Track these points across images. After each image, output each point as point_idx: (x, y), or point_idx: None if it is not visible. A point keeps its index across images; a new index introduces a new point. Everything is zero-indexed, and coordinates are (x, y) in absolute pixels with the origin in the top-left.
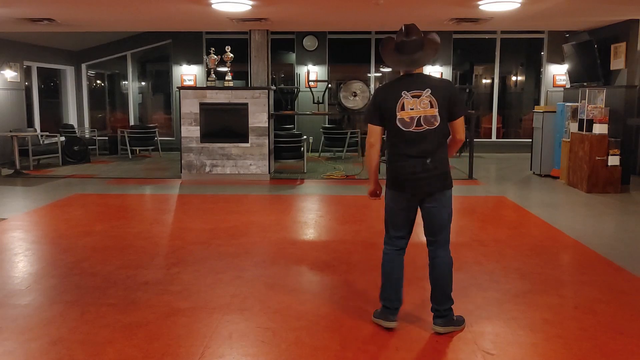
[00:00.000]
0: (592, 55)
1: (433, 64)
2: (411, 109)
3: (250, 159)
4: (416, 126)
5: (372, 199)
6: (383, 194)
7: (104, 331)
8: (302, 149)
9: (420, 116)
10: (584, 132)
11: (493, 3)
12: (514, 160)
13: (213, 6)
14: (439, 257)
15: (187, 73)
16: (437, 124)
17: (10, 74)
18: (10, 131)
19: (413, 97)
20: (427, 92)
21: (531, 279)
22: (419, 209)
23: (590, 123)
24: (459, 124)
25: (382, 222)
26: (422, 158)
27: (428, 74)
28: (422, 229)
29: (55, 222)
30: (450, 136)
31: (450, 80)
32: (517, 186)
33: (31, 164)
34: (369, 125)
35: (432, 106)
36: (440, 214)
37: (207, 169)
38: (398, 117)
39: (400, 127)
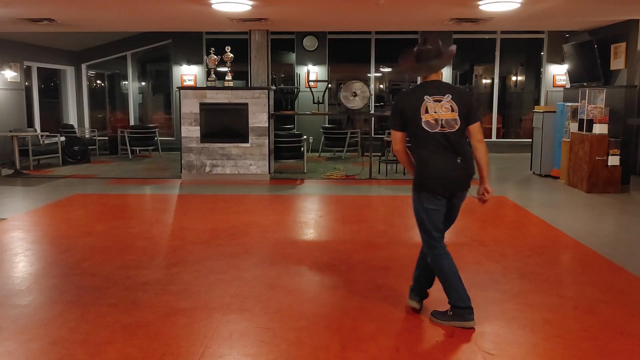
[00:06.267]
0: (592, 55)
1: None
2: (435, 112)
3: (250, 159)
4: (440, 128)
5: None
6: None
7: (104, 331)
8: (302, 149)
9: (442, 119)
10: (584, 132)
11: (493, 3)
12: (514, 160)
13: (213, 6)
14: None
15: (187, 73)
16: (458, 127)
17: (10, 74)
18: (10, 131)
19: (435, 101)
20: (447, 97)
21: (531, 279)
22: None
23: (590, 123)
24: (475, 129)
25: (383, 222)
26: (453, 156)
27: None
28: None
29: (55, 222)
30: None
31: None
32: (517, 186)
33: (31, 164)
34: (392, 131)
35: (452, 110)
36: (458, 209)
37: (207, 169)
38: (423, 119)
39: (427, 129)
